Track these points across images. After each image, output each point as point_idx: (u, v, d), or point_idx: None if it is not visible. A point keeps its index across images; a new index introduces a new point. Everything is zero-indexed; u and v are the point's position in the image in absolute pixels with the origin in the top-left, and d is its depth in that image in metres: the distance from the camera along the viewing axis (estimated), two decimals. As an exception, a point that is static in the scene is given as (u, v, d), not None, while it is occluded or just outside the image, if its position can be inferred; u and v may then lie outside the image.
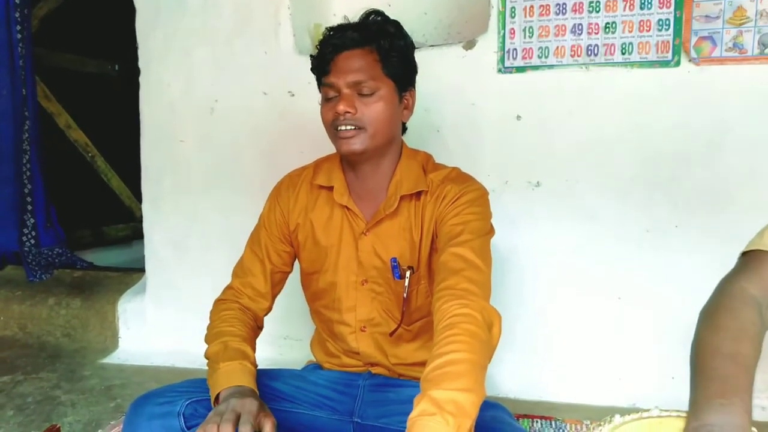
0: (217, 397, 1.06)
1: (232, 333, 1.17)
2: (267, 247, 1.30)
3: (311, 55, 1.23)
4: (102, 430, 1.68)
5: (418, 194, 1.22)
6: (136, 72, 2.28)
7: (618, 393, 1.77)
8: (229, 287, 1.31)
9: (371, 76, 1.14)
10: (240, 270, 1.31)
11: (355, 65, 1.14)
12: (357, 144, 1.15)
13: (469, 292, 0.98)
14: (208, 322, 1.24)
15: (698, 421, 0.73)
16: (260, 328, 1.29)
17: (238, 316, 1.22)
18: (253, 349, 1.19)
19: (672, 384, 1.67)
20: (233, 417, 0.94)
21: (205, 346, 1.18)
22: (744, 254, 0.93)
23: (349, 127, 1.14)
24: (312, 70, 1.24)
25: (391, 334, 1.25)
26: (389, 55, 1.16)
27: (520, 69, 1.84)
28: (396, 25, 1.22)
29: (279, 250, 1.30)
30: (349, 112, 1.13)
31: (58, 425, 0.98)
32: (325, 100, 1.19)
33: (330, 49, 1.16)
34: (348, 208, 1.24)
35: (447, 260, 1.05)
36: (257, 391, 1.08)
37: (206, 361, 1.16)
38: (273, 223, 1.30)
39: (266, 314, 1.31)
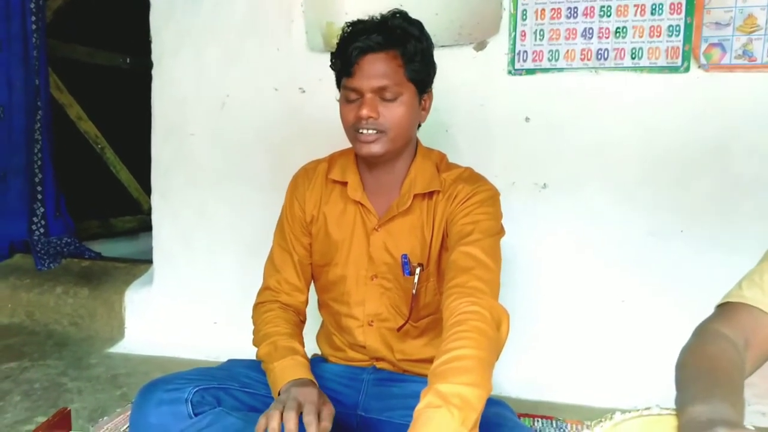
0: (279, 395, 1.09)
1: (278, 332, 1.20)
2: (292, 240, 1.32)
3: (332, 52, 1.23)
4: (108, 417, 1.70)
5: (431, 193, 1.23)
6: (148, 65, 2.31)
7: (620, 395, 1.77)
8: (265, 288, 1.32)
9: (395, 81, 1.15)
10: (272, 268, 1.33)
11: (379, 70, 1.14)
12: (377, 147, 1.16)
13: (479, 290, 1.00)
14: (253, 326, 1.27)
15: (686, 416, 0.76)
16: (303, 321, 1.32)
17: (280, 315, 1.25)
18: (301, 344, 1.22)
19: (673, 388, 1.68)
20: (296, 405, 0.97)
21: (207, 339, 1.23)
22: (719, 306, 0.95)
23: (370, 131, 1.15)
24: (331, 67, 1.24)
25: (398, 330, 1.27)
26: (413, 60, 1.16)
27: (530, 71, 1.85)
28: (419, 26, 1.21)
29: (304, 243, 1.32)
30: (372, 117, 1.14)
31: (68, 408, 0.99)
32: (346, 101, 1.19)
33: (355, 52, 1.14)
34: (361, 204, 1.25)
35: (457, 258, 1.07)
36: (315, 382, 1.12)
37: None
38: (294, 218, 1.32)
39: (306, 306, 1.34)
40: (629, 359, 1.83)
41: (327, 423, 1.00)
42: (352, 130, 1.18)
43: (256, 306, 1.31)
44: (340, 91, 1.22)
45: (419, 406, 0.84)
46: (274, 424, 0.94)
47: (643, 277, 1.81)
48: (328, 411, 1.03)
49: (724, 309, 0.93)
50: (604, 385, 1.82)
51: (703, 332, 0.91)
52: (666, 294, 1.80)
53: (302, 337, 1.26)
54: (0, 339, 2.35)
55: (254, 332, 1.25)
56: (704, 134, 1.74)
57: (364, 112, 1.13)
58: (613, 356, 1.84)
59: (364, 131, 1.15)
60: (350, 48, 1.15)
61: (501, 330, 0.98)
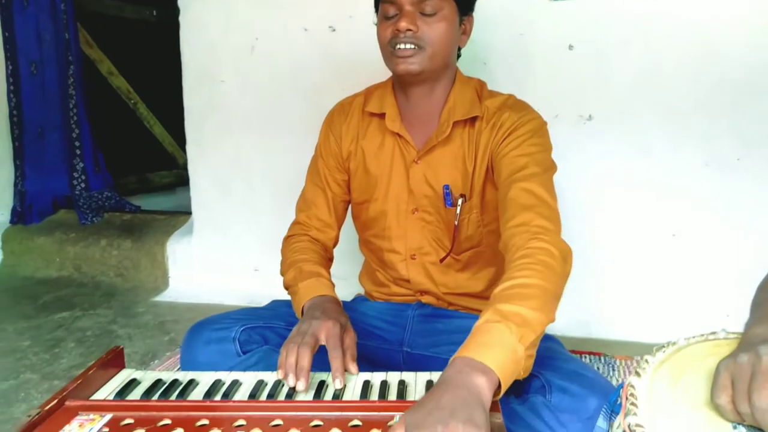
0: (302, 313, 1.08)
1: (305, 260, 1.19)
2: (326, 177, 1.30)
3: None
4: (158, 360, 1.75)
5: (473, 121, 1.18)
6: (175, 17, 2.26)
7: (670, 331, 1.72)
8: (295, 222, 1.31)
9: None
10: (303, 204, 1.32)
11: None
12: (415, 64, 1.11)
13: (545, 228, 0.97)
14: (281, 258, 1.25)
15: (744, 337, 0.72)
16: (330, 260, 1.30)
17: (308, 246, 1.24)
18: (328, 272, 1.20)
19: (727, 322, 1.62)
20: (312, 342, 0.94)
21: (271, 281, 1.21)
22: None
23: (408, 46, 1.10)
24: None
25: (441, 261, 1.25)
26: None
27: (574, -5, 1.74)
28: None
29: (338, 179, 1.30)
30: (410, 30, 1.09)
31: (121, 347, 1.01)
32: (384, 19, 1.14)
33: None
34: (400, 135, 1.21)
35: (517, 196, 1.03)
36: (339, 300, 1.10)
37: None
38: (329, 153, 1.29)
39: (335, 245, 1.32)
40: (679, 294, 1.77)
41: (352, 350, 0.98)
42: (389, 46, 1.12)
43: (285, 239, 1.30)
44: (377, 14, 1.18)
45: (478, 323, 0.83)
46: (292, 360, 0.91)
47: (697, 210, 1.73)
48: (351, 338, 0.99)
49: None
50: (653, 321, 1.78)
51: None
52: (721, 227, 1.72)
53: (329, 269, 1.23)
54: (51, 291, 2.44)
55: (281, 263, 1.24)
56: (764, 54, 1.62)
57: (403, 24, 1.09)
58: (663, 291, 1.79)
59: (402, 46, 1.10)
60: None
61: (566, 266, 0.96)
